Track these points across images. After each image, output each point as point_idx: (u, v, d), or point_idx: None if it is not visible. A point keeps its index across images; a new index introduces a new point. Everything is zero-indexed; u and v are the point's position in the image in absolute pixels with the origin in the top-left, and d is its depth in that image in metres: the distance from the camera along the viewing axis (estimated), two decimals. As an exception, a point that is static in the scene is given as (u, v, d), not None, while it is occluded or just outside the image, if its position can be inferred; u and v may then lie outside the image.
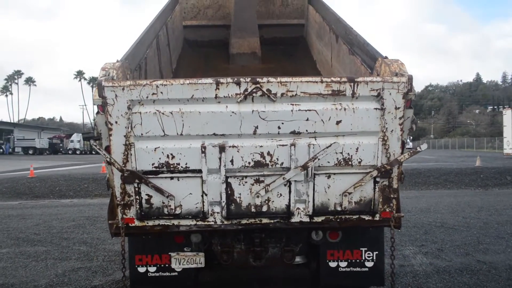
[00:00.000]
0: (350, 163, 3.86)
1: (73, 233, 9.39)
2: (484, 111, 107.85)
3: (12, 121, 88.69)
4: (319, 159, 3.78)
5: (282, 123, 3.74)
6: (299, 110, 3.72)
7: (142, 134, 3.73)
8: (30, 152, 58.80)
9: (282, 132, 3.76)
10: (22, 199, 16.45)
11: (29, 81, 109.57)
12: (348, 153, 3.84)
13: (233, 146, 3.78)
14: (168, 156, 3.78)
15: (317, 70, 7.07)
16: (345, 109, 3.74)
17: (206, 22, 8.33)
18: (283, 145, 3.79)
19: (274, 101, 3.69)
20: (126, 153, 3.73)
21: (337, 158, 3.85)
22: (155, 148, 3.77)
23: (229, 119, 3.70)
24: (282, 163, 3.83)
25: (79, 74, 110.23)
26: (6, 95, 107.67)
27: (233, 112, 3.69)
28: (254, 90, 3.65)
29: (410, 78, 3.72)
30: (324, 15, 6.80)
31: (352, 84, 3.68)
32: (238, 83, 3.64)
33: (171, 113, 3.68)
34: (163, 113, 3.68)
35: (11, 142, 61.27)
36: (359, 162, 3.86)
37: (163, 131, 3.72)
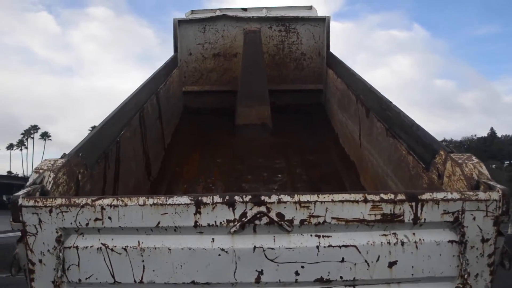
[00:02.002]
0: None
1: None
2: (501, 166, 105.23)
3: (25, 175, 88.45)
4: None
5: (302, 267, 2.34)
6: (329, 245, 2.33)
7: (80, 280, 2.37)
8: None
9: (302, 279, 2.36)
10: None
11: (45, 135, 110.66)
12: None
13: None
14: None
15: (340, 146, 5.76)
16: (402, 243, 2.35)
17: (210, 87, 7.18)
18: None
19: (289, 232, 2.33)
20: None
21: None
22: None
23: (217, 260, 2.33)
24: None
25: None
26: (21, 149, 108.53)
27: (223, 249, 2.32)
28: (258, 216, 2.30)
29: (505, 193, 2.36)
30: (348, 81, 5.57)
31: (414, 204, 2.32)
32: (232, 204, 2.29)
33: (125, 249, 2.33)
34: (112, 249, 2.33)
35: (20, 197, 60.45)
36: None
37: (113, 277, 2.36)
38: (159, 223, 2.30)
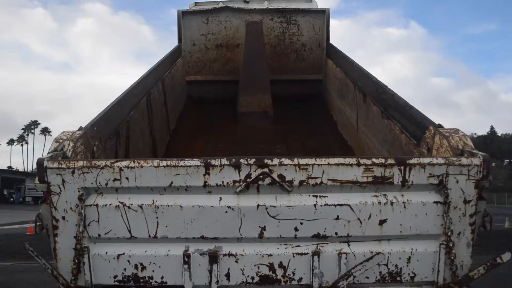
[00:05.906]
0: (399, 278, 2.68)
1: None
2: (501, 164, 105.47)
3: (25, 170, 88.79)
4: (354, 276, 2.61)
5: (301, 223, 2.60)
6: (325, 204, 2.59)
7: (99, 235, 2.63)
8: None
9: (301, 235, 2.62)
10: (16, 259, 15.12)
11: (45, 131, 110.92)
12: (396, 265, 2.66)
13: (230, 255, 2.64)
14: (136, 267, 2.65)
15: (339, 133, 6.00)
16: (392, 203, 2.61)
17: (212, 77, 7.43)
18: (301, 254, 2.64)
19: (289, 192, 2.59)
20: (76, 260, 2.61)
21: (380, 272, 2.67)
22: (119, 255, 2.65)
23: (224, 217, 2.59)
24: (300, 279, 2.66)
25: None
26: (22, 145, 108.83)
27: (229, 206, 2.58)
28: (261, 176, 2.55)
29: (486, 159, 2.61)
30: (347, 70, 5.80)
31: (402, 167, 2.57)
32: (237, 166, 2.56)
33: (141, 206, 2.59)
34: (129, 207, 2.59)
35: (22, 191, 60.55)
36: (412, 278, 2.68)
37: (130, 232, 2.62)
38: (171, 183, 2.55)
